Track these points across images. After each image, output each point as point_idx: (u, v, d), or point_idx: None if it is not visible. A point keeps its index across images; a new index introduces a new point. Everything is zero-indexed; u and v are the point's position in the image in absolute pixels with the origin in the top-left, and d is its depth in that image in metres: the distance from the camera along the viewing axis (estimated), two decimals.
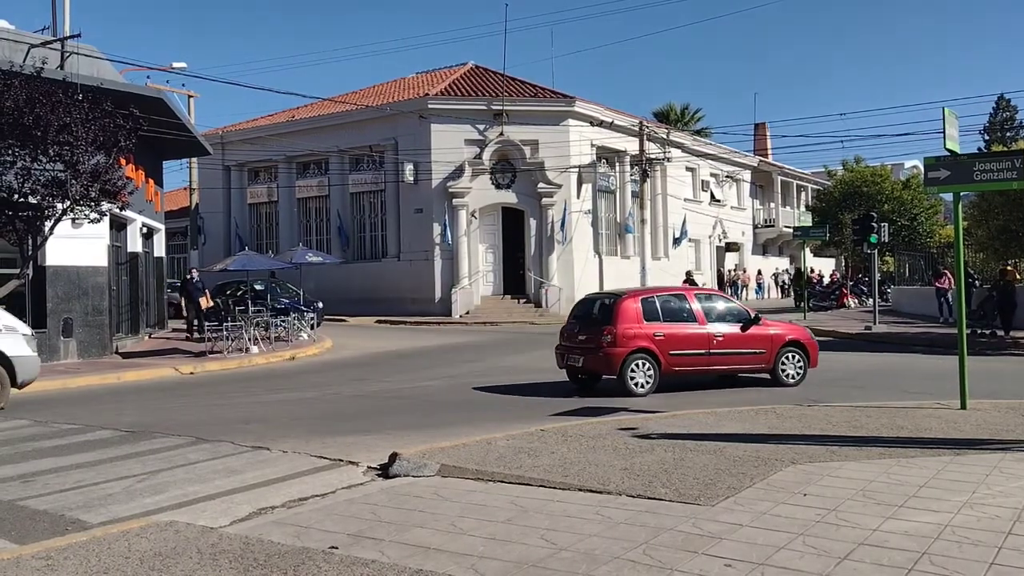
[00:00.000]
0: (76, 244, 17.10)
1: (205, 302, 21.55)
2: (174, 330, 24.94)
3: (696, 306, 12.43)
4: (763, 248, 50.10)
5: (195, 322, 21.60)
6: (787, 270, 50.09)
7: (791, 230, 39.82)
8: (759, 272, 48.31)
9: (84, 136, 13.91)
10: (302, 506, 5.92)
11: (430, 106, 30.88)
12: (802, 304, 32.53)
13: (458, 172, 30.83)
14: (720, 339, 12.20)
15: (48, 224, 14.82)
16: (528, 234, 31.74)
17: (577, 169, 31.75)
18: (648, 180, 34.28)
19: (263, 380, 15.15)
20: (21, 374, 11.81)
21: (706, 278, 42.82)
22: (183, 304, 22.60)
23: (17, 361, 11.73)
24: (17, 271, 15.47)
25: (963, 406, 9.05)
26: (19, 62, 15.25)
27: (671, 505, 5.47)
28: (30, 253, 15.60)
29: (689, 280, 29.42)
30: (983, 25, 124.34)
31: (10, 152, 13.80)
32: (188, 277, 22.04)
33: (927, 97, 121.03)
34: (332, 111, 33.77)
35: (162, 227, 25.46)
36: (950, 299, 23.27)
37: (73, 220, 14.91)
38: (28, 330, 12.67)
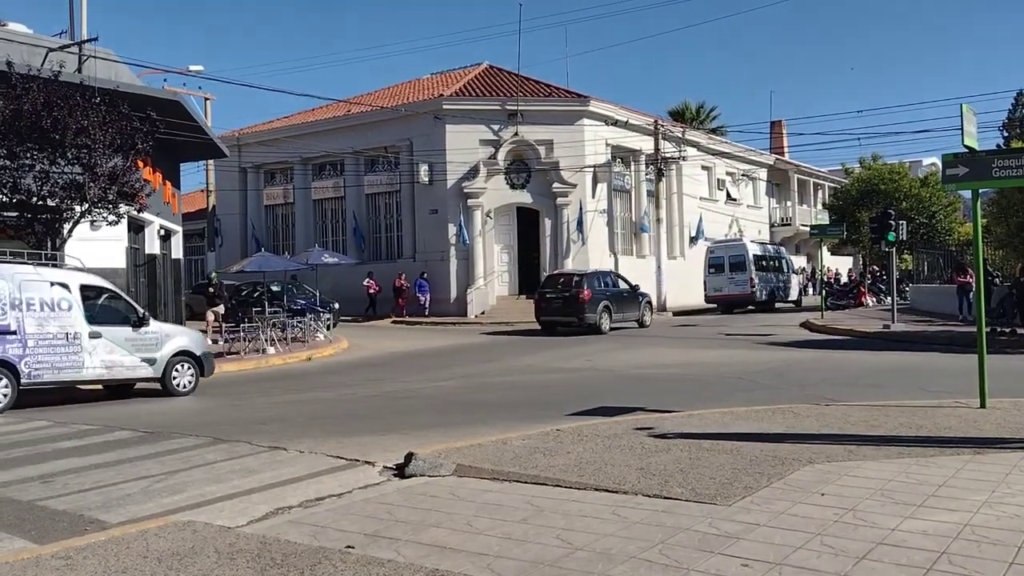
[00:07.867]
0: (94, 246, 17.20)
1: None
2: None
3: None
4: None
5: None
6: (803, 268, 49.80)
7: (808, 228, 39.57)
8: None
9: (102, 139, 14.04)
10: (319, 506, 5.93)
11: (445, 107, 30.93)
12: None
13: (473, 172, 30.86)
14: None
15: (67, 226, 14.96)
16: (543, 234, 31.72)
17: (592, 168, 31.70)
18: (663, 179, 34.20)
19: (280, 381, 15.22)
20: None
21: None
22: None
23: None
24: None
25: (983, 405, 8.95)
26: (37, 66, 15.39)
27: (687, 505, 5.44)
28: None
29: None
30: (1002, 20, 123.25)
31: (29, 155, 13.94)
32: None
33: (945, 94, 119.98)
34: (347, 112, 33.88)
35: (179, 229, 25.60)
36: (971, 296, 23.03)
37: (91, 222, 15.04)
38: None
